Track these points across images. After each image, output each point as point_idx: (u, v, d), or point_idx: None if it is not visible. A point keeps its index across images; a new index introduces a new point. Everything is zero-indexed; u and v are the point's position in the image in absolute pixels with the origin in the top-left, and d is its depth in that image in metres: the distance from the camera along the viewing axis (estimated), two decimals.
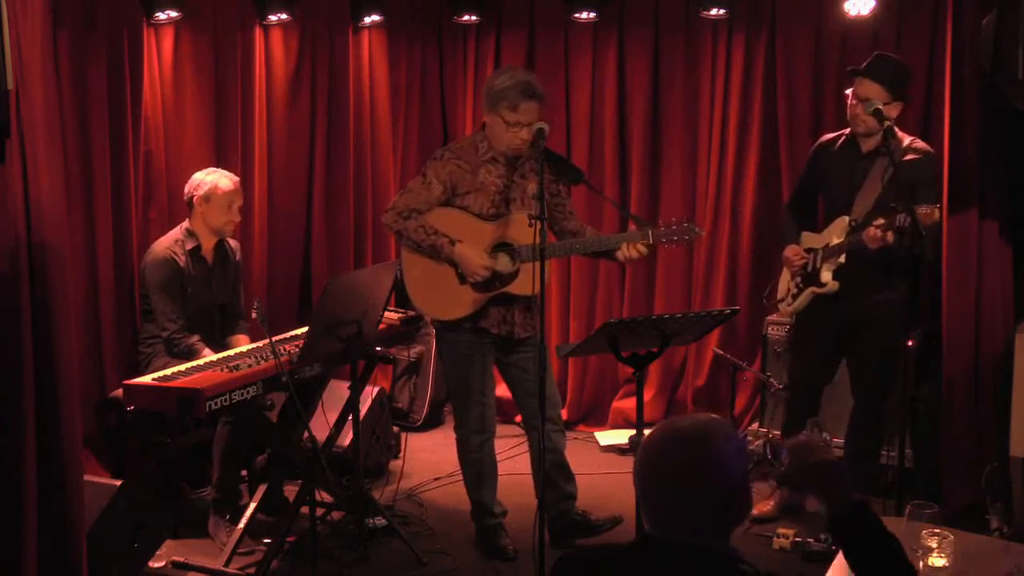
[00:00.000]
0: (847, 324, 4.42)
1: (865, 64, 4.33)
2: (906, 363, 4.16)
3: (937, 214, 4.11)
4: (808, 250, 4.50)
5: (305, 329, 4.12)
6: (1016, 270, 4.45)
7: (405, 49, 6.03)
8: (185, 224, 4.59)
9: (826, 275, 4.39)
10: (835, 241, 4.37)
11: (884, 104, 4.20)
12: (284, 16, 5.29)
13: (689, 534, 2.00)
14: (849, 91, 4.34)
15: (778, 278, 4.73)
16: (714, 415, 2.17)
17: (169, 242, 4.54)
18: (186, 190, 4.60)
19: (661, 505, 2.03)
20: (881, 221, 4.11)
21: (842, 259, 4.34)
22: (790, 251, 4.54)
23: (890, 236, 4.10)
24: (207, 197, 4.53)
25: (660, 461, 2.03)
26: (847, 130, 4.46)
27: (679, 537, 2.01)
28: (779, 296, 4.65)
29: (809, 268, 4.47)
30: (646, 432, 3.56)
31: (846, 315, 4.40)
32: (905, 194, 4.01)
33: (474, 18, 5.79)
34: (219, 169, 4.69)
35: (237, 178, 4.68)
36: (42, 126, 3.16)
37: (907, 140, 4.37)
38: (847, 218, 4.36)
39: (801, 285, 4.50)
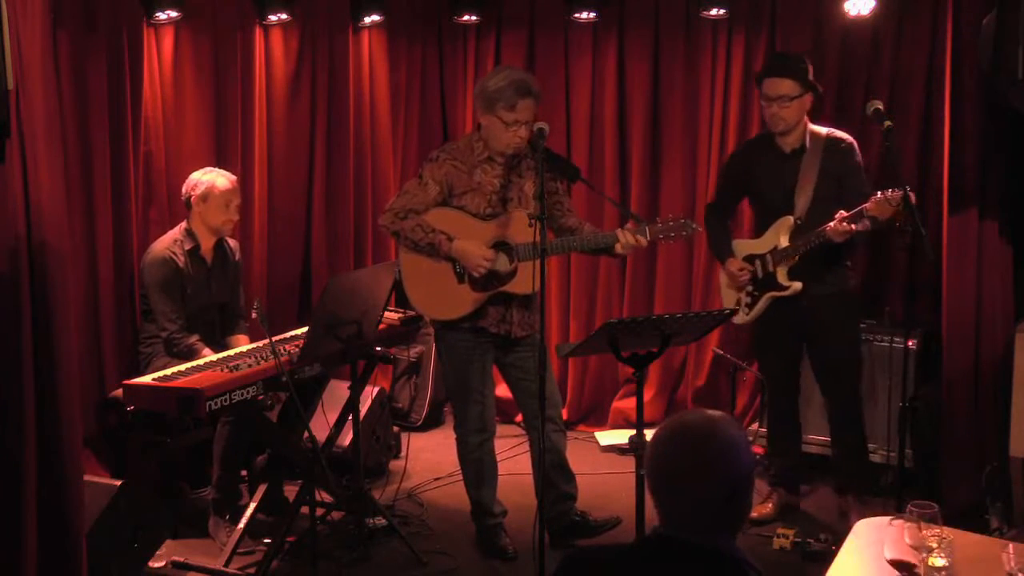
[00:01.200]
0: (802, 318, 4.44)
1: (767, 66, 4.43)
2: (906, 363, 4.17)
3: (913, 197, 4.01)
4: (749, 257, 4.50)
5: (305, 329, 4.12)
6: (1016, 270, 4.45)
7: (405, 49, 6.03)
8: (183, 224, 4.60)
9: (784, 277, 4.40)
10: (784, 242, 4.38)
11: (797, 96, 4.27)
12: (284, 16, 5.29)
13: (698, 531, 2.00)
14: (762, 95, 4.36)
15: (717, 294, 4.74)
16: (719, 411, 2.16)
17: (168, 242, 4.54)
18: (183, 190, 4.60)
19: (670, 499, 2.02)
20: (845, 214, 4.13)
21: (796, 258, 4.36)
22: (734, 266, 4.53)
23: (854, 227, 4.12)
24: (204, 197, 4.53)
25: (669, 456, 2.02)
26: (762, 133, 4.55)
27: (688, 535, 2.00)
28: (733, 303, 4.60)
29: (760, 274, 4.47)
30: (646, 432, 3.58)
31: (801, 310, 4.42)
32: (904, 191, 3.99)
33: (474, 18, 5.79)
34: (216, 168, 4.69)
35: (234, 177, 4.68)
36: (42, 126, 3.16)
37: (825, 132, 4.40)
38: (791, 218, 4.37)
39: (756, 292, 4.50)
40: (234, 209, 4.61)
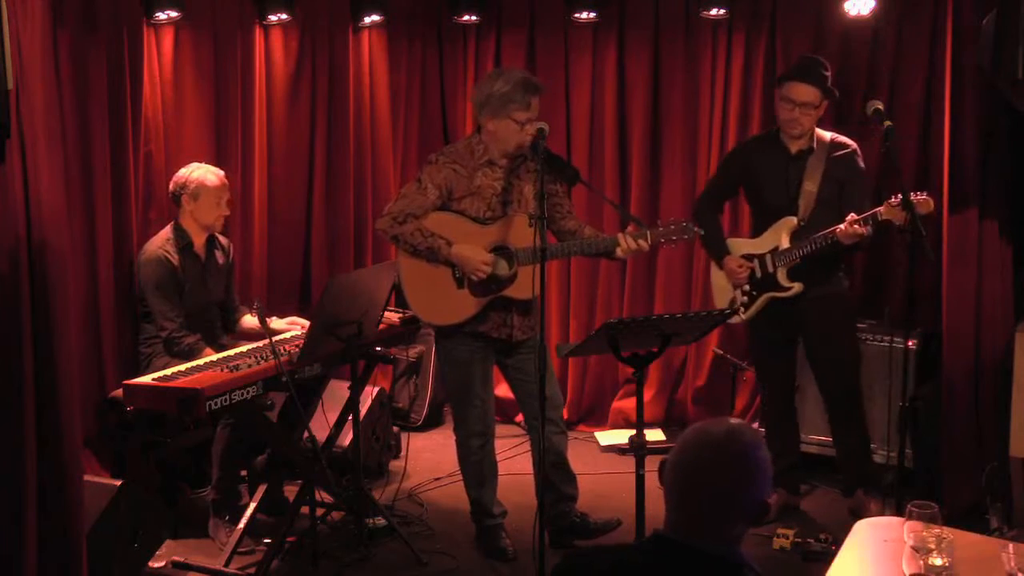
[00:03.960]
0: (797, 319, 4.45)
1: (796, 69, 4.38)
2: (906, 363, 4.17)
3: (931, 204, 4.12)
4: (747, 256, 4.50)
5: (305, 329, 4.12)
6: (1016, 270, 4.45)
7: (405, 49, 6.02)
8: (174, 222, 4.59)
9: (785, 278, 4.40)
10: (785, 243, 4.38)
11: (819, 104, 4.30)
12: (284, 16, 5.29)
13: (707, 536, 2.00)
14: (784, 96, 4.34)
15: (711, 292, 4.73)
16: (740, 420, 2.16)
17: (160, 241, 4.53)
18: (171, 188, 4.59)
19: (687, 503, 2.02)
20: (855, 217, 4.14)
21: (799, 260, 4.36)
22: (734, 263, 4.53)
23: (866, 230, 4.14)
24: (195, 195, 4.52)
25: (691, 461, 2.02)
26: (767, 131, 4.54)
27: (693, 540, 2.01)
28: (732, 301, 4.60)
29: (758, 274, 4.47)
30: (646, 432, 3.60)
31: (796, 311, 4.42)
32: (903, 191, 4.00)
33: (474, 18, 5.78)
34: (202, 164, 4.65)
35: (221, 172, 4.66)
36: (42, 126, 3.16)
37: (829, 136, 4.41)
38: (794, 219, 4.38)
39: (754, 292, 4.50)
40: (224, 205, 4.61)
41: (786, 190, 4.40)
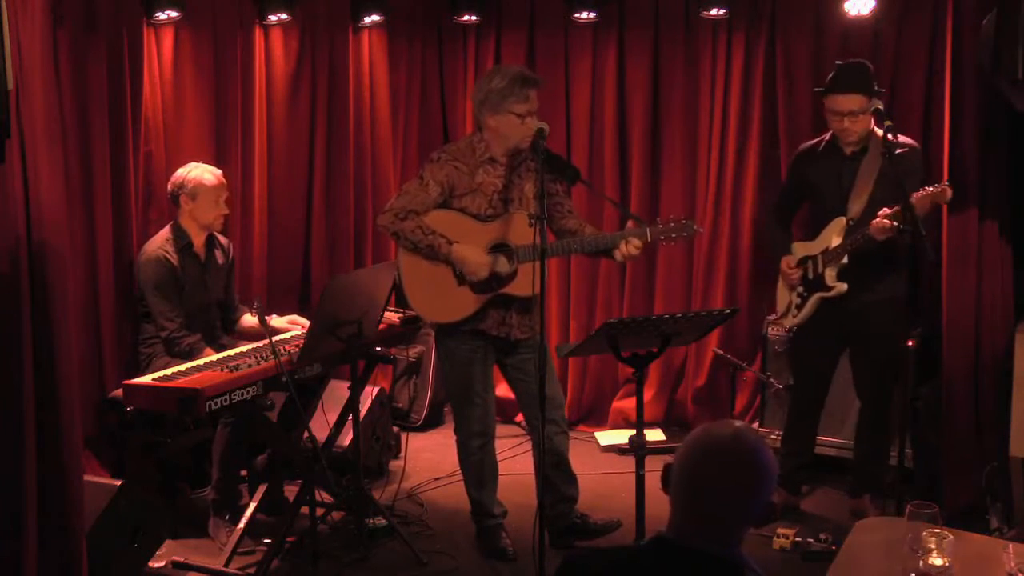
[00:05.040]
0: (849, 324, 4.43)
1: (838, 79, 4.29)
2: (906, 363, 4.16)
3: (949, 192, 4.11)
4: (804, 259, 4.49)
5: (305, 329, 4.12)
6: (1016, 270, 4.45)
7: (405, 49, 6.02)
8: (173, 223, 4.59)
9: (832, 278, 4.39)
10: (835, 243, 4.37)
11: (866, 109, 4.22)
12: (284, 16, 5.29)
13: (710, 538, 2.00)
14: (829, 109, 4.29)
15: (774, 291, 4.73)
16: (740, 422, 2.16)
17: (160, 242, 4.53)
18: (169, 188, 4.59)
19: (692, 504, 2.02)
20: (888, 212, 4.11)
21: (844, 260, 4.34)
22: (785, 263, 4.54)
23: (897, 224, 4.08)
24: (193, 194, 4.52)
25: (702, 471, 2.02)
26: (826, 135, 4.47)
27: (695, 543, 2.01)
28: (780, 311, 4.63)
29: (811, 275, 4.46)
30: (646, 432, 3.60)
31: (848, 315, 4.40)
32: (903, 188, 4.00)
33: (474, 18, 5.79)
34: (200, 164, 4.66)
35: (219, 171, 4.66)
36: (42, 126, 3.17)
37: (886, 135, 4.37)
38: (843, 219, 4.36)
39: (805, 294, 4.49)
40: (223, 204, 4.61)
41: (839, 191, 4.37)
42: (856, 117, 4.24)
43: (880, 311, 4.36)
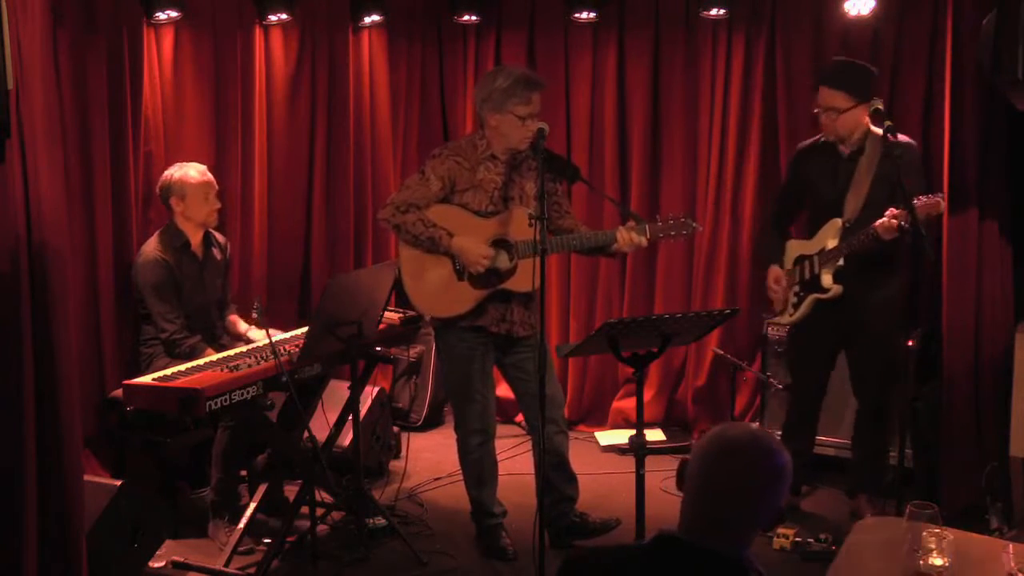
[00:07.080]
0: (848, 324, 4.43)
1: (822, 73, 4.33)
2: (906, 363, 4.16)
3: (942, 205, 4.12)
4: (800, 258, 4.49)
5: (305, 329, 4.12)
6: (1016, 270, 4.45)
7: (405, 49, 6.02)
8: (168, 224, 4.59)
9: (827, 280, 4.38)
10: (831, 244, 4.36)
11: (848, 109, 4.21)
12: (284, 16, 5.29)
13: (720, 541, 2.00)
14: (816, 99, 4.30)
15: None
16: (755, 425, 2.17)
17: (156, 243, 4.53)
18: (158, 191, 4.61)
19: (708, 510, 2.02)
20: (895, 212, 4.11)
21: (841, 261, 4.34)
22: (770, 276, 4.56)
23: (906, 224, 4.06)
24: (181, 194, 4.53)
25: (719, 473, 2.02)
26: (821, 135, 4.47)
27: (704, 542, 2.01)
28: (778, 308, 4.63)
29: (807, 275, 4.46)
30: (646, 432, 3.60)
31: (846, 315, 4.40)
32: (902, 189, 4.00)
33: (474, 18, 5.79)
34: (184, 164, 4.65)
35: (203, 167, 4.65)
36: (42, 126, 3.17)
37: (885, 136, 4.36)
38: (839, 220, 4.36)
39: (801, 294, 4.49)
40: (214, 199, 4.61)
41: (835, 191, 4.37)
42: (832, 115, 4.25)
43: (879, 311, 4.36)
